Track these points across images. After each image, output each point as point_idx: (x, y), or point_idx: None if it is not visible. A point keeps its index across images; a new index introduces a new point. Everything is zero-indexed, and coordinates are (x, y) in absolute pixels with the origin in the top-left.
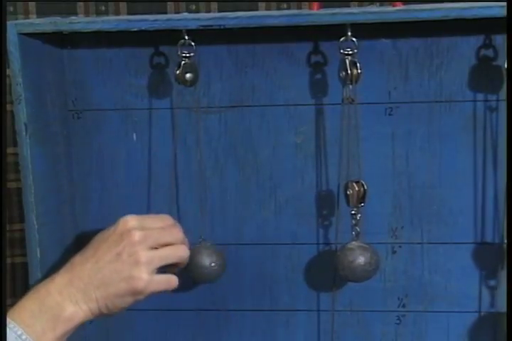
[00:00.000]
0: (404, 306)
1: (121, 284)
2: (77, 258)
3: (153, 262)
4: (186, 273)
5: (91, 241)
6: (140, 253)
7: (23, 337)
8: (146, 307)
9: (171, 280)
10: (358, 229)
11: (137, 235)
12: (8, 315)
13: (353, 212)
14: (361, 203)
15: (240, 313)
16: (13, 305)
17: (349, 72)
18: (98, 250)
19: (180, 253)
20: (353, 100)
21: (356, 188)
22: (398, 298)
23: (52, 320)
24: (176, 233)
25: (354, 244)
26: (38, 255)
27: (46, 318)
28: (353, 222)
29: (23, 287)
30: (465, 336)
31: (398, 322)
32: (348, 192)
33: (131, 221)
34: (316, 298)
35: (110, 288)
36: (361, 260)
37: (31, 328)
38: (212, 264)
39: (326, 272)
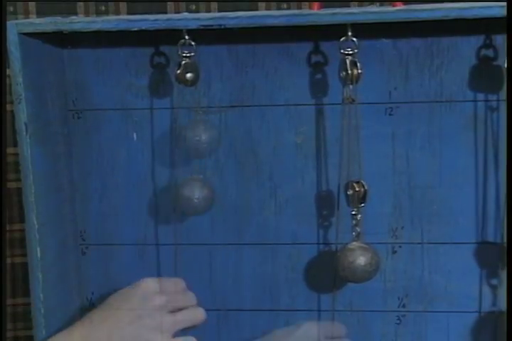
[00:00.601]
0: (404, 306)
1: None
2: (96, 315)
3: (174, 327)
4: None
5: (108, 299)
6: (162, 318)
7: None
8: None
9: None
10: (359, 230)
11: (159, 299)
12: None
13: (353, 213)
14: (362, 203)
15: (240, 313)
16: (12, 305)
17: (349, 72)
18: (119, 310)
19: (199, 317)
20: (353, 100)
21: (356, 188)
22: (398, 298)
23: None
24: (191, 297)
25: (354, 244)
26: (38, 255)
27: None
28: (354, 222)
29: (23, 287)
30: (465, 336)
31: (398, 322)
32: (349, 193)
33: (152, 284)
34: (316, 298)
35: None
36: (361, 260)
37: None
38: (196, 197)
39: (326, 272)
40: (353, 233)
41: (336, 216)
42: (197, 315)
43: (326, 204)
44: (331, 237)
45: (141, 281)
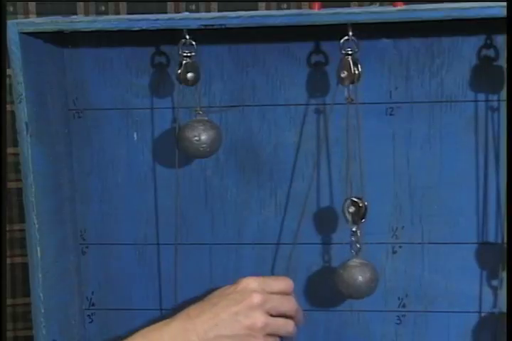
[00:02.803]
0: (404, 306)
1: None
2: (194, 310)
3: (266, 329)
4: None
5: (209, 296)
6: (257, 317)
7: None
8: (146, 307)
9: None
10: (359, 246)
11: (257, 298)
12: None
13: (354, 229)
14: (362, 219)
15: None
16: (12, 305)
17: (350, 71)
18: (216, 306)
19: (289, 328)
20: (352, 100)
21: (360, 204)
22: (398, 298)
23: None
24: (292, 303)
25: (355, 261)
26: (38, 255)
27: None
28: (353, 239)
29: (23, 287)
30: (465, 336)
31: (398, 322)
32: (351, 210)
33: (252, 282)
34: (316, 298)
35: None
36: (362, 278)
37: None
38: (195, 138)
39: (326, 272)
40: (352, 251)
41: (335, 216)
42: (288, 327)
43: (326, 204)
44: (330, 237)
45: (243, 279)
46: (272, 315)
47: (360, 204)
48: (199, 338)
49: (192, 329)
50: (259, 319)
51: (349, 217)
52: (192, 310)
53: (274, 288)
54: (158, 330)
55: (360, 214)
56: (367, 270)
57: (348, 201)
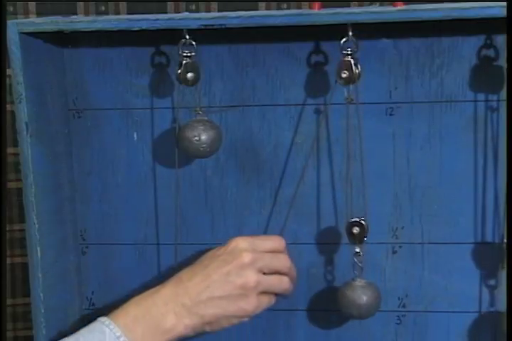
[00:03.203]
0: (404, 306)
1: (230, 305)
2: (185, 274)
3: (259, 287)
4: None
5: (200, 258)
6: (249, 276)
7: (121, 339)
8: None
9: (272, 299)
10: (360, 265)
11: (247, 257)
12: (109, 317)
13: (357, 250)
14: (364, 238)
15: None
16: (12, 305)
17: (350, 71)
18: (207, 268)
19: (284, 285)
20: (352, 100)
21: (363, 222)
22: (398, 298)
23: (153, 329)
24: (285, 260)
25: (358, 281)
26: (38, 255)
27: (148, 325)
28: (355, 259)
29: (23, 287)
30: (465, 336)
31: (398, 322)
32: (355, 231)
33: (242, 242)
34: (316, 298)
35: (218, 307)
36: (364, 299)
37: (132, 333)
38: (195, 138)
39: (326, 272)
40: (355, 271)
41: (335, 216)
42: (283, 283)
43: (326, 204)
44: (331, 237)
45: (232, 239)
46: (265, 274)
47: (363, 223)
48: (191, 301)
49: (184, 293)
50: (251, 278)
51: (352, 238)
52: (183, 273)
53: (264, 246)
54: (150, 296)
55: (362, 234)
56: (367, 292)
57: (351, 222)
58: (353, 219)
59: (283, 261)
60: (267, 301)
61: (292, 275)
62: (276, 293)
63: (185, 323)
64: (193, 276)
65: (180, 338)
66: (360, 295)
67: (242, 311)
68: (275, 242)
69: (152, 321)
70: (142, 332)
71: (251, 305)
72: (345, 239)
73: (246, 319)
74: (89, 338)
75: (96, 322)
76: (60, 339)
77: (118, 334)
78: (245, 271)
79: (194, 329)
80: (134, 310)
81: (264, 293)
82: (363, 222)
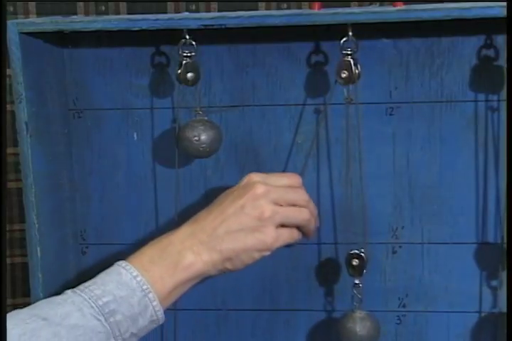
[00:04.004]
0: (404, 306)
1: (248, 237)
2: (201, 214)
3: (276, 217)
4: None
5: (216, 199)
6: (264, 206)
7: (138, 278)
8: None
9: (294, 233)
10: (360, 296)
11: (260, 188)
12: (126, 260)
13: (356, 282)
14: (364, 270)
15: (240, 313)
16: (12, 305)
17: (350, 71)
18: (222, 204)
19: (303, 216)
20: (351, 100)
21: (362, 254)
22: (398, 298)
23: (171, 267)
24: (302, 193)
25: (358, 312)
26: (38, 255)
27: (165, 264)
28: (355, 291)
29: (23, 287)
30: (465, 336)
31: (398, 322)
32: (354, 263)
33: (255, 176)
34: (316, 298)
35: (236, 241)
36: (364, 331)
37: (148, 272)
38: (195, 138)
39: (327, 272)
40: (355, 303)
41: (335, 216)
42: (302, 213)
43: (326, 204)
44: (331, 237)
45: (246, 175)
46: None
47: (363, 255)
48: (208, 237)
49: (200, 230)
50: (267, 207)
51: (351, 270)
52: (199, 214)
53: (280, 182)
54: (166, 237)
55: (361, 266)
56: (367, 323)
57: (350, 254)
58: (352, 251)
59: (299, 194)
60: (287, 234)
61: (312, 208)
62: (299, 229)
63: (203, 259)
64: (208, 214)
65: (202, 276)
66: (361, 328)
67: (261, 243)
68: (291, 179)
69: (169, 260)
70: (159, 271)
71: (269, 236)
72: (345, 239)
73: (267, 253)
74: (106, 280)
75: (113, 266)
76: None
77: (134, 273)
78: (260, 201)
79: (215, 267)
80: (150, 251)
81: (284, 226)
82: (362, 254)
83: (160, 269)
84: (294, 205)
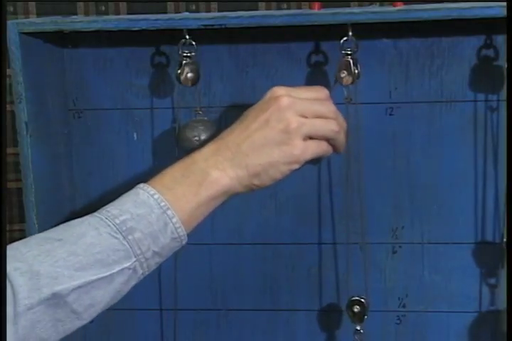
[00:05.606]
0: (404, 306)
1: (275, 151)
2: (225, 131)
3: (302, 128)
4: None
5: (240, 116)
6: (290, 118)
7: (156, 196)
8: (146, 307)
9: (323, 145)
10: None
11: (285, 101)
12: (147, 183)
13: (357, 328)
14: (365, 316)
15: (240, 313)
16: None
17: (350, 71)
18: (245, 120)
19: (331, 126)
20: (351, 100)
21: (363, 301)
22: (398, 298)
23: (195, 185)
24: (328, 105)
25: None
26: None
27: (188, 182)
28: (356, 337)
29: None
30: (465, 336)
31: (398, 322)
32: (355, 310)
33: (279, 90)
34: (316, 298)
35: (262, 155)
36: None
37: (170, 190)
38: (195, 138)
39: (327, 272)
40: None
41: (335, 216)
42: (330, 124)
43: (326, 204)
44: (331, 237)
45: (270, 89)
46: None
47: (363, 301)
48: (233, 153)
49: (224, 147)
50: (292, 119)
51: (352, 316)
52: (223, 133)
53: (305, 94)
54: (189, 157)
55: (362, 313)
56: None
57: (351, 300)
58: (353, 298)
59: (327, 106)
60: (315, 146)
61: (340, 120)
62: (328, 142)
63: (229, 175)
64: (232, 131)
65: (227, 194)
66: None
67: (289, 156)
68: (317, 91)
69: (193, 177)
70: (182, 189)
71: (296, 147)
72: (347, 239)
73: (296, 166)
74: (123, 200)
75: (132, 189)
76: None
77: (152, 192)
78: (285, 113)
79: (241, 183)
80: (173, 171)
81: (312, 139)
82: (363, 300)
83: (183, 187)
84: (321, 117)
